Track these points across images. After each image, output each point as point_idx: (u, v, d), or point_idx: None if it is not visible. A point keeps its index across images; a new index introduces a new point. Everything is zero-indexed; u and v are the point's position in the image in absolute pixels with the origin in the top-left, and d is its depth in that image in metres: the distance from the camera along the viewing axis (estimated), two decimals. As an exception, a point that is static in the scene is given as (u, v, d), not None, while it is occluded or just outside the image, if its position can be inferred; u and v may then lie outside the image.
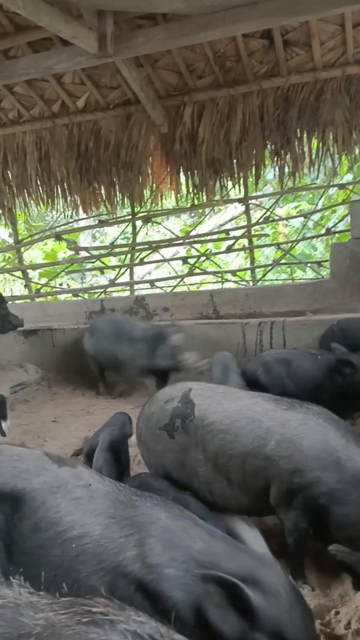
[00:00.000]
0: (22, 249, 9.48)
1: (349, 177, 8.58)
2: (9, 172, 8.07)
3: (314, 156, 6.75)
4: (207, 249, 8.89)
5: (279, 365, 3.63)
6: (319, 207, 9.11)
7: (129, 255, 8.59)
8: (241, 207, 8.94)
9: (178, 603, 1.52)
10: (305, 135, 6.66)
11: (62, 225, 9.28)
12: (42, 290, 9.41)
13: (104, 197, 7.82)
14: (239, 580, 1.48)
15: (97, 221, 8.66)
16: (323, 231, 7.96)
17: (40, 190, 8.02)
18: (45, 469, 1.90)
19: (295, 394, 3.10)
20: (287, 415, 2.42)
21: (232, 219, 11.12)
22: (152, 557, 1.61)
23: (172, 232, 8.94)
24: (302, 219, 8.62)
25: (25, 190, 8.11)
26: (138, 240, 8.87)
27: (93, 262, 9.16)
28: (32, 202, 8.20)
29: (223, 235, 8.43)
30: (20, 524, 1.77)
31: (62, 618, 1.12)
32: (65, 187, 7.87)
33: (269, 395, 2.73)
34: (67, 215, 8.36)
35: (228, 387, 2.91)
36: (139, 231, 8.79)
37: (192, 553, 1.62)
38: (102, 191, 7.79)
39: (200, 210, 10.16)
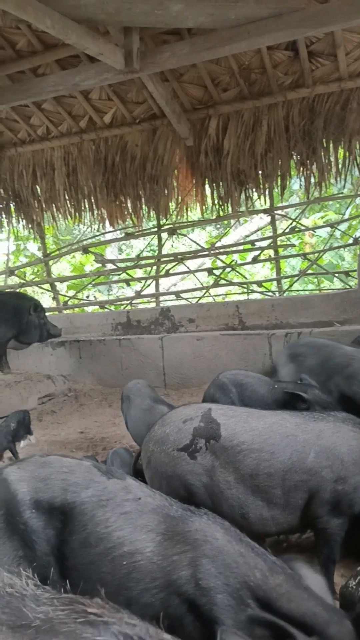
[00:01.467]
0: (51, 262, 9.63)
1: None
2: (37, 187, 8.24)
3: (340, 166, 6.70)
4: (233, 260, 8.88)
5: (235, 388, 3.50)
6: (346, 216, 9.02)
7: (154, 267, 8.64)
8: (267, 218, 8.91)
9: None
10: (331, 145, 6.63)
11: (89, 238, 9.40)
12: (69, 303, 9.52)
13: (130, 210, 7.91)
14: (296, 629, 1.39)
15: (123, 234, 8.75)
16: (350, 241, 7.86)
17: (68, 205, 8.16)
18: (94, 481, 1.85)
19: None
20: (319, 426, 2.47)
21: (257, 230, 11.10)
22: (206, 580, 1.55)
23: (198, 244, 8.96)
24: (329, 228, 8.54)
25: (53, 205, 8.26)
26: (164, 252, 8.91)
27: (119, 274, 9.24)
28: (60, 216, 8.35)
29: (249, 246, 8.41)
30: (71, 539, 1.73)
31: (60, 614, 1.16)
32: (92, 200, 7.99)
33: (294, 411, 2.75)
34: (94, 229, 8.47)
35: (248, 408, 2.81)
36: (164, 243, 8.84)
37: (248, 583, 1.54)
38: (129, 204, 7.87)
39: (226, 222, 10.17)
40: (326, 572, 2.36)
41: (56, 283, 9.59)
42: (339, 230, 8.70)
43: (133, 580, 1.62)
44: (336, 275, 8.30)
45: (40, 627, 1.12)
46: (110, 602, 1.24)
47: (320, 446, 2.38)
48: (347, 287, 7.62)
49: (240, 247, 8.58)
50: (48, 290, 9.66)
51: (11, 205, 8.62)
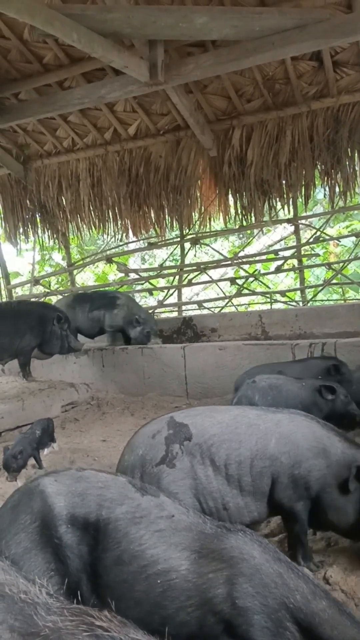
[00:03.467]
0: (75, 272, 9.74)
1: None
2: (63, 198, 8.36)
3: (365, 175, 6.64)
4: (256, 270, 8.84)
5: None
6: (371, 226, 8.92)
7: (177, 277, 8.66)
8: (290, 228, 8.86)
9: None
10: (356, 154, 6.58)
11: (113, 248, 9.48)
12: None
13: (154, 220, 7.96)
14: None
15: (146, 244, 8.80)
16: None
17: (92, 215, 8.26)
18: (128, 497, 1.83)
19: None
20: (277, 416, 2.69)
21: (281, 240, 11.04)
22: (242, 599, 1.52)
23: (220, 254, 8.95)
24: (354, 238, 8.45)
25: (78, 215, 8.37)
26: (186, 261, 8.93)
27: (142, 284, 9.28)
28: (84, 226, 8.45)
29: (272, 256, 8.37)
30: (104, 556, 1.71)
31: (68, 625, 1.17)
32: (116, 211, 8.07)
33: (252, 406, 3.14)
34: (118, 239, 8.54)
35: (207, 406, 3.12)
36: (187, 253, 8.86)
37: (288, 605, 1.51)
38: (152, 214, 7.93)
39: (249, 232, 10.15)
40: (295, 552, 2.57)
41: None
42: (364, 239, 8.59)
43: (168, 599, 1.59)
44: (361, 285, 8.19)
45: (48, 636, 1.13)
46: (144, 621, 1.23)
47: (279, 433, 2.58)
48: (373, 297, 7.51)
49: (264, 257, 8.55)
50: (72, 300, 9.75)
51: (37, 215, 8.76)
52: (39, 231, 8.91)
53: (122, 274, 9.52)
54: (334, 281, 8.12)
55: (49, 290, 9.82)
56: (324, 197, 7.67)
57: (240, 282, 8.44)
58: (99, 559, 1.72)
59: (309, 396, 3.64)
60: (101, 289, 8.84)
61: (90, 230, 8.56)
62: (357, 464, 2.42)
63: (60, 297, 10.04)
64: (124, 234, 8.33)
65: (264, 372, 4.10)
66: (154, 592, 1.61)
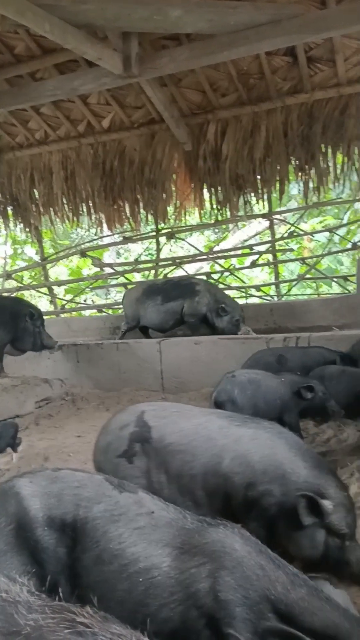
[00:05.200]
0: (48, 266, 9.62)
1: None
2: (35, 190, 8.23)
3: (339, 171, 6.72)
4: (231, 265, 8.88)
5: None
6: (345, 221, 9.03)
7: (152, 271, 8.63)
8: (265, 222, 8.93)
9: None
10: (329, 150, 6.64)
11: (87, 242, 9.39)
12: (67, 306, 9.51)
13: (128, 214, 7.91)
14: None
15: (121, 238, 8.74)
16: (349, 246, 7.87)
17: (66, 209, 8.16)
18: (106, 495, 1.81)
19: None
20: (239, 431, 2.50)
21: (256, 234, 11.11)
22: (225, 592, 1.52)
23: (196, 248, 8.96)
24: (327, 233, 8.55)
25: (51, 209, 8.26)
26: (162, 256, 8.91)
27: (117, 278, 9.23)
28: (57, 219, 8.34)
29: (247, 251, 8.41)
30: (83, 557, 1.69)
31: (50, 622, 1.16)
32: (90, 204, 7.98)
33: (223, 412, 2.91)
34: (92, 233, 8.47)
35: (180, 405, 2.92)
36: (162, 247, 8.84)
37: (269, 597, 1.52)
38: (127, 208, 7.87)
39: (224, 226, 10.18)
40: None
41: (54, 287, 9.58)
42: (338, 235, 8.71)
43: (151, 597, 1.58)
44: (335, 280, 8.31)
45: (30, 634, 1.13)
46: (126, 620, 1.23)
47: (235, 452, 2.42)
48: (346, 291, 7.62)
49: (239, 252, 8.58)
50: (45, 294, 9.66)
51: (9, 209, 8.61)
52: (11, 225, 8.76)
53: (97, 269, 9.45)
54: (308, 276, 8.21)
55: (21, 285, 9.69)
56: (298, 192, 7.73)
57: (215, 276, 8.46)
58: (78, 560, 1.70)
59: (287, 391, 3.65)
60: (175, 277, 8.18)
61: (64, 224, 8.46)
62: (302, 493, 2.12)
63: (33, 291, 9.94)
64: (99, 228, 8.26)
65: (265, 357, 4.28)
66: (136, 591, 1.60)
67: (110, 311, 9.03)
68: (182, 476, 2.45)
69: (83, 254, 9.03)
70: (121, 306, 9.05)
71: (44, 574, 1.67)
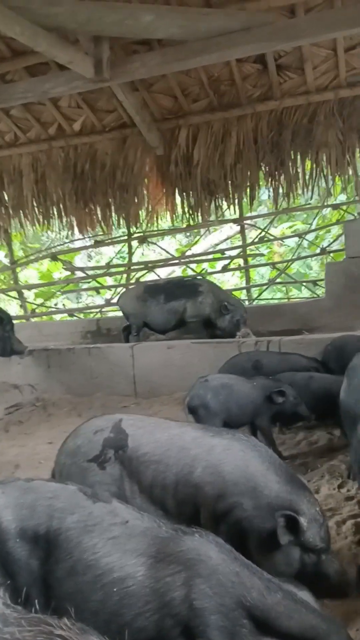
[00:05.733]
0: (18, 269, 9.49)
1: (342, 198, 8.66)
2: (5, 193, 8.12)
3: (307, 177, 6.84)
4: (203, 269, 8.92)
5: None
6: (314, 227, 9.19)
7: (125, 275, 8.61)
8: (236, 227, 9.01)
9: None
10: (299, 156, 6.76)
11: (58, 245, 9.31)
12: (37, 311, 9.39)
13: (100, 218, 7.87)
14: None
15: (93, 242, 8.69)
16: (318, 250, 8.01)
17: (37, 212, 8.07)
18: (80, 505, 1.79)
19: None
20: (212, 442, 2.46)
21: (227, 239, 11.19)
22: (200, 600, 1.52)
23: (168, 252, 8.97)
24: (297, 238, 8.69)
25: (21, 212, 8.15)
26: (134, 260, 8.90)
27: (89, 282, 9.17)
28: (28, 223, 8.24)
29: (219, 255, 8.48)
30: (56, 568, 1.67)
31: (26, 635, 1.14)
32: (61, 208, 7.91)
33: (200, 425, 2.89)
34: (63, 236, 8.39)
35: (157, 419, 2.89)
36: (135, 251, 8.82)
37: (244, 603, 1.52)
38: (98, 212, 7.84)
39: (196, 231, 10.23)
40: None
41: (24, 290, 9.45)
42: (307, 240, 8.86)
43: (125, 607, 1.57)
44: (304, 284, 8.44)
45: None
46: (101, 630, 1.22)
47: (207, 462, 2.38)
48: (315, 296, 7.75)
49: (210, 256, 8.64)
50: (15, 298, 9.51)
51: (-23, 211, 8.47)
52: (-20, 227, 8.61)
53: (68, 272, 9.37)
54: (278, 280, 8.32)
55: (-9, 289, 9.53)
56: (268, 198, 7.84)
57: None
58: (51, 572, 1.68)
59: (259, 395, 3.68)
60: (176, 277, 8.12)
61: (34, 227, 8.36)
62: (282, 512, 2.07)
63: (3, 295, 9.79)
64: (70, 232, 8.19)
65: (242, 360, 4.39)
66: (111, 601, 1.59)
67: (81, 315, 8.95)
68: (154, 486, 2.42)
69: (54, 257, 8.94)
70: (93, 310, 9.02)
71: (18, 586, 1.65)
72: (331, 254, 7.71)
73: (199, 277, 7.39)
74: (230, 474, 2.31)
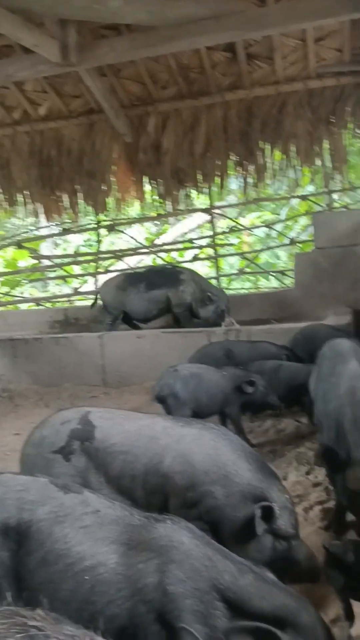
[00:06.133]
0: (-18, 258, 9.28)
1: (310, 189, 8.75)
2: (-32, 179, 7.89)
3: (276, 168, 6.87)
4: (173, 258, 8.91)
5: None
6: (282, 217, 9.27)
7: (93, 264, 8.51)
8: (205, 216, 9.01)
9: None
10: (268, 147, 6.78)
11: (24, 233, 9.12)
12: (2, 300, 9.20)
13: (67, 205, 7.74)
14: (272, 625, 1.42)
15: (60, 229, 8.55)
16: (287, 241, 8.09)
17: (1, 197, 7.87)
18: (51, 497, 1.79)
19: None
20: (182, 431, 2.46)
21: (197, 227, 11.18)
22: (173, 586, 1.53)
23: (137, 241, 8.91)
24: (265, 228, 8.75)
25: (-16, 197, 7.94)
26: (102, 248, 8.81)
27: (55, 271, 9.04)
28: (-8, 209, 8.04)
29: (188, 245, 8.47)
30: (28, 559, 1.66)
31: (0, 628, 1.13)
32: (27, 194, 7.74)
33: (170, 416, 2.90)
34: (29, 223, 8.23)
35: (127, 411, 2.86)
36: (103, 239, 8.73)
37: (217, 587, 1.54)
38: (65, 199, 7.70)
39: (165, 219, 10.19)
40: None
41: (-12, 279, 9.26)
42: (276, 230, 8.93)
43: (97, 594, 1.58)
44: (273, 274, 8.52)
45: None
46: (72, 619, 1.21)
47: (177, 451, 2.37)
48: (283, 285, 7.84)
49: (180, 245, 8.62)
50: (-21, 287, 9.30)
51: None
52: None
53: (34, 260, 9.20)
54: (248, 270, 8.37)
55: None
56: (238, 187, 7.86)
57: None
58: (22, 563, 1.67)
59: (229, 385, 3.72)
60: (159, 265, 7.98)
61: (-1, 214, 8.17)
62: (263, 504, 2.09)
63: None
64: (36, 219, 8.04)
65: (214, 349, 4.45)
66: (83, 589, 1.59)
67: (49, 304, 8.82)
68: (122, 477, 2.41)
69: (19, 245, 8.76)
70: (60, 299, 8.90)
71: None
72: (299, 245, 7.80)
73: (181, 266, 7.30)
74: (201, 463, 2.31)
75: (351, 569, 1.92)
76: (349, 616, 2.00)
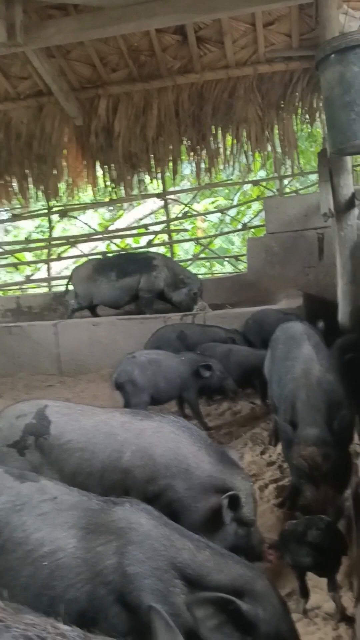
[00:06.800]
0: None
1: (262, 174, 8.84)
2: None
3: (228, 153, 6.90)
4: (127, 244, 8.84)
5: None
6: (235, 202, 9.33)
7: (45, 251, 8.35)
8: (160, 202, 8.97)
9: None
10: (220, 131, 6.79)
11: (-28, 219, 8.85)
12: None
13: (17, 190, 7.53)
14: (230, 595, 1.46)
15: (10, 215, 8.33)
16: (240, 226, 8.17)
17: None
18: (7, 487, 1.78)
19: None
20: (142, 425, 2.45)
21: (151, 213, 11.11)
22: (133, 566, 1.55)
23: (91, 227, 8.79)
24: (219, 214, 8.79)
25: None
26: (54, 235, 8.64)
27: (6, 258, 8.81)
28: None
29: (142, 230, 8.42)
30: None
31: None
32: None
33: (127, 409, 2.88)
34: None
35: (85, 406, 2.83)
36: (55, 225, 8.57)
37: (176, 565, 1.58)
38: (15, 184, 7.49)
39: (119, 205, 10.08)
40: None
41: None
42: (229, 215, 8.99)
43: (56, 579, 1.59)
44: (227, 259, 8.60)
45: None
46: (32, 605, 1.21)
47: (136, 446, 2.36)
48: (237, 270, 7.93)
49: (135, 231, 8.56)
50: None
51: None
52: None
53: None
54: (202, 255, 8.42)
55: None
56: (191, 172, 7.86)
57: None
58: None
59: (187, 370, 3.77)
60: (128, 252, 7.79)
61: None
62: (230, 494, 2.12)
63: None
64: (-16, 204, 7.79)
65: (167, 333, 4.56)
66: (41, 575, 1.60)
67: (0, 293, 8.62)
68: (78, 474, 2.37)
69: (-32, 232, 8.49)
70: (12, 287, 8.70)
71: None
72: (252, 230, 7.89)
73: (152, 251, 7.23)
74: (162, 457, 2.31)
75: (311, 545, 2.00)
76: (304, 594, 2.08)
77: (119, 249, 8.47)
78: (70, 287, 6.58)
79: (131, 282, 6.15)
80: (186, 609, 1.49)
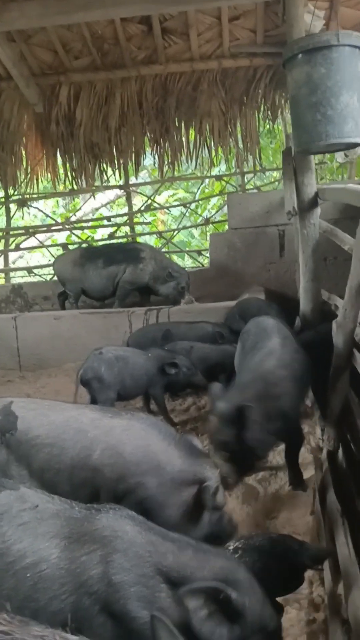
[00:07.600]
0: None
1: (223, 168, 8.88)
2: None
3: (191, 146, 6.88)
4: (89, 237, 8.71)
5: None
6: (197, 196, 9.34)
7: (3, 241, 8.12)
8: (119, 192, 8.89)
9: (146, 623, 1.44)
10: (183, 125, 6.77)
11: None
12: None
13: (-27, 178, 7.29)
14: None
15: (-35, 204, 8.04)
16: (201, 220, 8.18)
17: None
18: None
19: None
20: (112, 422, 2.45)
21: (108, 203, 10.96)
22: (119, 575, 1.54)
23: (51, 217, 8.61)
24: (182, 207, 8.78)
25: None
26: (13, 224, 8.41)
27: None
28: None
29: (102, 223, 8.32)
30: None
31: None
32: None
33: (97, 406, 2.90)
34: None
35: (53, 401, 2.80)
36: (14, 215, 8.34)
37: (161, 569, 1.57)
38: (-29, 171, 7.24)
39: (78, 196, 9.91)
40: None
41: None
42: (190, 209, 9.00)
43: (39, 591, 1.55)
44: (189, 253, 8.61)
45: None
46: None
47: (106, 443, 2.35)
48: (199, 265, 7.96)
49: (97, 223, 8.44)
50: None
51: None
52: None
53: None
54: (164, 249, 8.40)
55: None
56: (153, 165, 7.80)
57: (72, 247, 8.24)
58: None
59: (153, 366, 3.78)
60: (116, 242, 7.58)
61: None
62: (206, 484, 2.19)
63: None
64: None
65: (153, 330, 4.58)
66: (24, 587, 1.57)
67: None
68: (46, 470, 2.34)
69: None
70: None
71: None
72: (213, 224, 7.93)
73: (141, 243, 7.14)
74: (132, 455, 2.31)
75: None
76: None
77: (80, 240, 8.33)
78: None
79: (117, 272, 6.10)
80: (177, 601, 1.51)
